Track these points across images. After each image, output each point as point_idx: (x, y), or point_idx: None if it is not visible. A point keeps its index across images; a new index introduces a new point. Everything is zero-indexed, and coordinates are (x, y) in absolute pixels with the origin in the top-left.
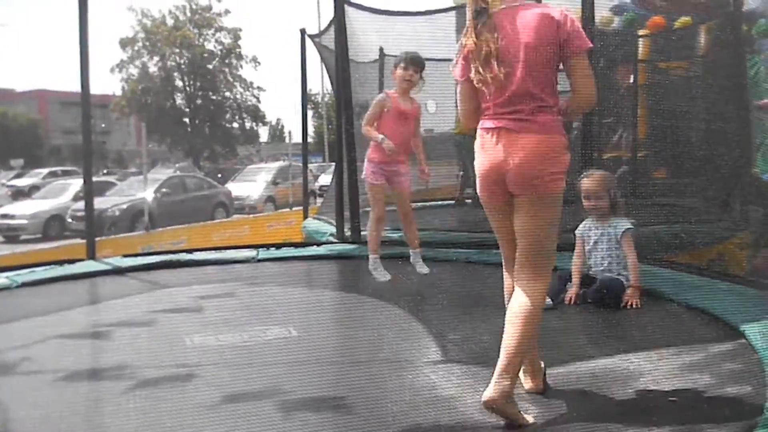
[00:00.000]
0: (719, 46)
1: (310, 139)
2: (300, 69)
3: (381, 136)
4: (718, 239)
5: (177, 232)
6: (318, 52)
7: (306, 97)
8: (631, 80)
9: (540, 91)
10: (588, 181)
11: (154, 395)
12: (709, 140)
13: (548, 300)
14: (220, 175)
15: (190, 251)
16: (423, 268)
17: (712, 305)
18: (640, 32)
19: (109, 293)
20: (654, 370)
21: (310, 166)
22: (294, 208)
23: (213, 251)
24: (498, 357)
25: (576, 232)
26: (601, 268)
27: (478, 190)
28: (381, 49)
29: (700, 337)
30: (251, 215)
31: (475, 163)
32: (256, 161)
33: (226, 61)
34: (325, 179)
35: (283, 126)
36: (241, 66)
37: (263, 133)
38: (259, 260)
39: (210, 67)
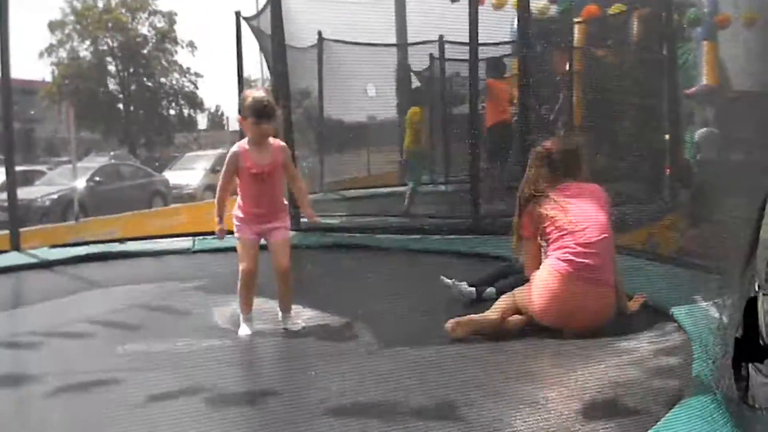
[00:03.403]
0: (651, 34)
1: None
2: (236, 54)
3: (222, 226)
4: (649, 221)
5: (109, 221)
6: (254, 37)
7: (242, 84)
8: (567, 67)
9: None
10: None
11: (80, 402)
12: (641, 126)
13: (472, 290)
14: (157, 164)
15: (122, 241)
16: (296, 326)
17: (642, 287)
18: (575, 20)
19: (35, 292)
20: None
21: None
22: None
23: (146, 241)
24: None
25: None
26: None
27: None
28: (319, 33)
29: (633, 321)
30: (189, 204)
31: None
32: (195, 149)
33: (161, 45)
34: None
35: (222, 113)
36: (177, 51)
37: (201, 121)
38: (195, 251)
39: (144, 51)
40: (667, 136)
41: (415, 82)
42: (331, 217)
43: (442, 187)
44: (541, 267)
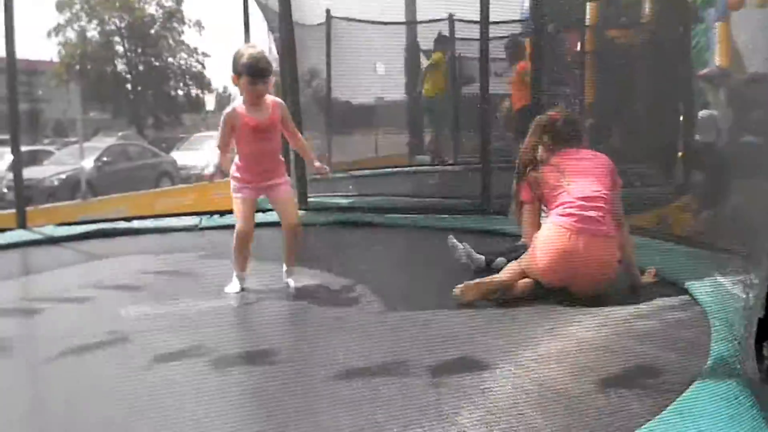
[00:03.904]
0: (664, 15)
1: None
2: (244, 32)
3: (211, 169)
4: (662, 202)
5: (116, 201)
6: (262, 14)
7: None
8: (578, 47)
9: None
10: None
11: (86, 363)
12: (654, 107)
13: (481, 257)
14: (164, 144)
15: (128, 219)
16: (294, 283)
17: (656, 264)
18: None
19: (41, 264)
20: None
21: None
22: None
23: (153, 219)
24: None
25: None
26: None
27: None
28: (328, 11)
29: (647, 296)
30: (197, 183)
31: None
32: (203, 130)
33: (168, 25)
34: None
35: (230, 94)
36: (184, 31)
37: (209, 101)
38: (202, 228)
39: (152, 32)
40: (681, 118)
41: (425, 62)
42: (341, 196)
43: (453, 167)
44: (543, 225)
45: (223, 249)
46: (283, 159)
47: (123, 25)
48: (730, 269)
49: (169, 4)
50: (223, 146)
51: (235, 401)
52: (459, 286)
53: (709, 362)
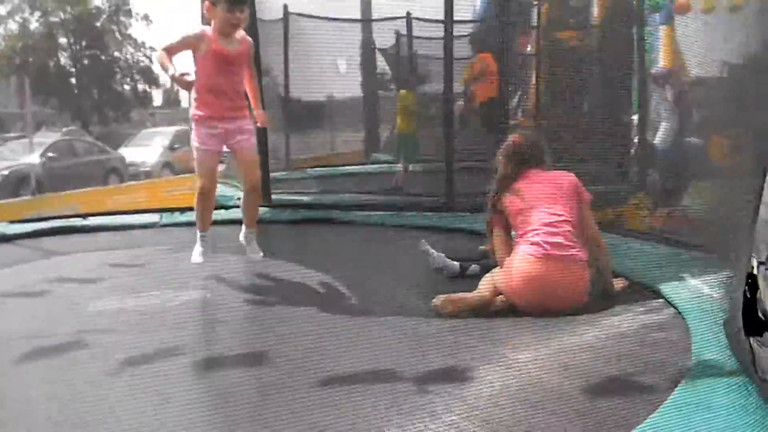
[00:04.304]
0: (613, 17)
1: None
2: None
3: (171, 66)
4: (616, 201)
5: (68, 197)
6: None
7: None
8: (528, 48)
9: None
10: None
11: (54, 363)
12: (605, 108)
13: (456, 264)
14: (111, 140)
15: (84, 216)
16: (255, 253)
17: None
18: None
19: None
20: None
21: None
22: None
23: (111, 216)
24: None
25: None
26: None
27: None
28: (285, 7)
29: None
30: (149, 180)
31: None
32: (149, 126)
33: (115, 18)
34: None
35: (178, 90)
36: (131, 24)
37: (156, 97)
38: (163, 225)
39: (97, 24)
40: (634, 118)
41: (381, 61)
42: (302, 194)
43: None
44: (513, 254)
45: (187, 245)
46: (246, 103)
47: (67, 17)
48: (700, 269)
49: None
50: (168, 53)
51: (203, 400)
52: (439, 297)
53: (692, 362)
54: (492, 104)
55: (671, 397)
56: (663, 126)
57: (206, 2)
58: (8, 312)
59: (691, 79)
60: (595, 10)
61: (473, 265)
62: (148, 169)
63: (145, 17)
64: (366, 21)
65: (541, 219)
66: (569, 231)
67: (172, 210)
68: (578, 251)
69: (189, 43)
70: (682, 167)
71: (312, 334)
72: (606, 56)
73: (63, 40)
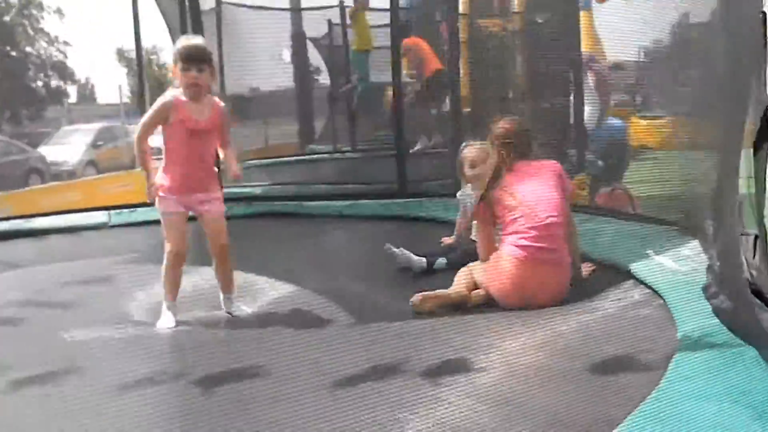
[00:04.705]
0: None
1: (126, 99)
2: (132, 18)
3: (153, 181)
4: None
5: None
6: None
7: (141, 52)
8: (448, 35)
9: None
10: (470, 150)
11: (37, 396)
12: (539, 93)
13: (422, 260)
14: (26, 139)
15: (28, 217)
16: (240, 310)
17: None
18: None
19: None
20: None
21: (130, 127)
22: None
23: (56, 216)
24: None
25: (457, 195)
26: None
27: None
28: None
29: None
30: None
31: None
32: (64, 123)
33: (25, 12)
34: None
35: (92, 85)
36: (43, 18)
37: (71, 93)
38: (112, 226)
39: (6, 19)
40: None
41: (312, 50)
42: (253, 186)
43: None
44: (498, 252)
45: (141, 251)
46: (216, 171)
47: None
48: (662, 243)
49: None
50: (145, 135)
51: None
52: (417, 296)
53: (680, 334)
54: (440, 75)
55: (670, 368)
56: (586, 109)
57: (173, 66)
58: None
59: (609, 63)
60: None
61: (439, 259)
62: (70, 168)
63: (58, 10)
64: (296, 10)
65: (531, 219)
66: (557, 233)
67: (118, 207)
68: (564, 253)
69: (158, 115)
70: (611, 148)
71: (299, 344)
72: (532, 42)
73: None
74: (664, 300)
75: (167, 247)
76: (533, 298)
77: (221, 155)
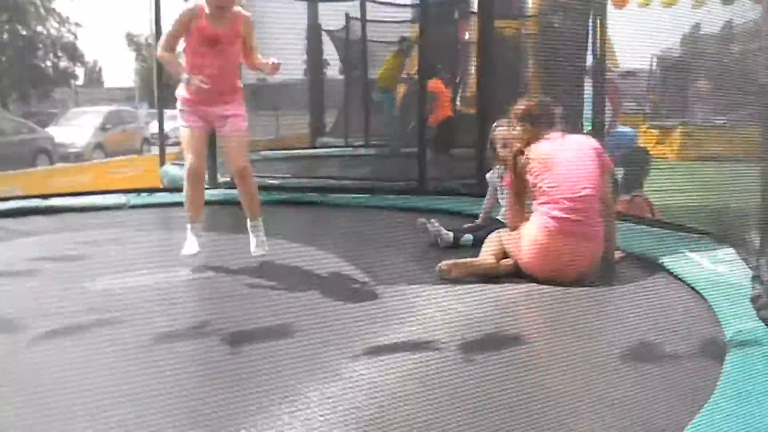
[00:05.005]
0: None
1: (133, 84)
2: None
3: (185, 74)
4: None
5: (5, 179)
6: None
7: (159, 31)
8: (467, 36)
9: None
10: (501, 130)
11: (63, 345)
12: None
13: (450, 234)
14: (35, 119)
15: (44, 197)
16: (259, 247)
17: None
18: None
19: None
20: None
21: (139, 111)
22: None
23: (74, 197)
24: None
25: (487, 176)
26: None
27: None
28: None
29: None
30: (95, 161)
31: None
32: (70, 105)
33: None
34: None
35: (100, 68)
36: None
37: (80, 75)
38: (132, 207)
39: None
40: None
41: (328, 43)
42: (272, 177)
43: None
44: (529, 222)
45: (160, 226)
46: (240, 86)
47: None
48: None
49: None
50: (170, 48)
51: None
52: (444, 262)
53: (729, 334)
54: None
55: (726, 367)
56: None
57: None
58: (4, 292)
59: (621, 71)
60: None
61: (466, 235)
62: (79, 150)
63: None
64: (313, 1)
65: (563, 191)
66: (592, 206)
67: (138, 191)
68: (598, 228)
69: (181, 24)
70: (629, 155)
71: (328, 307)
72: (549, 45)
73: None
74: (702, 297)
75: (186, 162)
76: (562, 270)
77: (251, 64)
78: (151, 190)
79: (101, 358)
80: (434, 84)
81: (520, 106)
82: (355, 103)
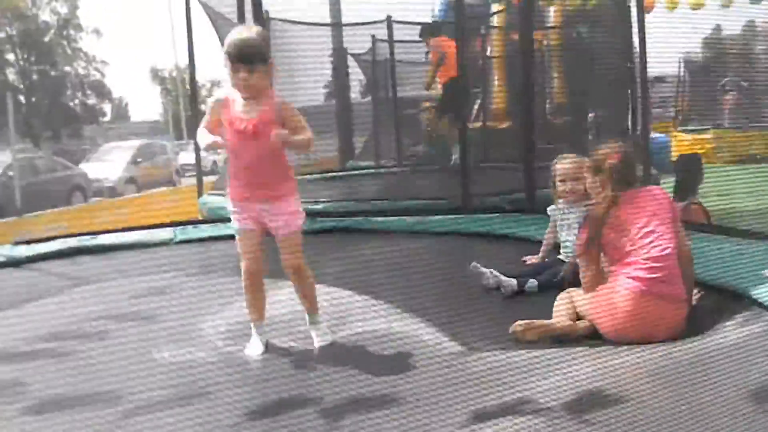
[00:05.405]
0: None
1: (158, 117)
2: (187, 37)
3: (211, 138)
4: None
5: (53, 216)
6: (207, 15)
7: (194, 67)
8: (489, 51)
9: None
10: (563, 165)
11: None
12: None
13: (513, 281)
14: (66, 157)
15: (94, 234)
16: (323, 339)
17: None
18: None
19: (20, 292)
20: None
21: (168, 143)
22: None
23: (119, 234)
24: None
25: (548, 210)
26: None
27: None
28: (266, 13)
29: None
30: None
31: None
32: (100, 142)
33: (64, 32)
34: (187, 157)
35: (126, 103)
36: (81, 38)
37: (108, 111)
38: (179, 242)
39: (46, 39)
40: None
41: (354, 66)
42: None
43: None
44: (609, 286)
45: (211, 266)
46: (291, 174)
47: (14, 32)
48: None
49: (64, 10)
50: (209, 131)
51: None
52: (518, 323)
53: None
54: (455, 83)
55: None
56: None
57: (225, 58)
58: (80, 362)
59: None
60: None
61: (530, 281)
62: (111, 184)
63: (96, 31)
64: (339, 25)
65: (644, 252)
66: (673, 264)
67: (183, 224)
68: (681, 287)
69: (211, 116)
70: (684, 162)
71: (419, 374)
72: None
73: (10, 56)
74: None
75: (242, 265)
76: (649, 334)
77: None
78: (196, 222)
79: None
80: (439, 41)
81: (607, 157)
82: (386, 125)
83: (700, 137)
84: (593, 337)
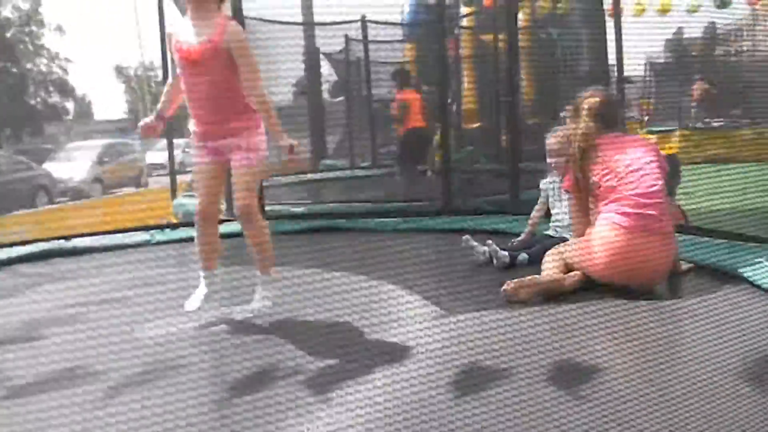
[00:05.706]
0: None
1: (124, 115)
2: (159, 32)
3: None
4: None
5: (13, 219)
6: (179, 12)
7: (167, 62)
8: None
9: None
10: (554, 139)
11: (139, 399)
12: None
13: (506, 254)
14: (28, 156)
15: (66, 238)
16: (261, 302)
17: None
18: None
19: None
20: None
21: (134, 143)
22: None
23: (95, 237)
24: None
25: (540, 184)
26: (565, 223)
27: None
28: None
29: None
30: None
31: None
32: (63, 140)
33: (26, 29)
34: (154, 156)
35: (90, 101)
36: (44, 34)
37: (71, 109)
38: (156, 243)
39: (8, 35)
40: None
41: (326, 66)
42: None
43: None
44: (597, 225)
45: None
46: (250, 107)
47: None
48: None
49: (26, 6)
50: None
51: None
52: (509, 283)
53: None
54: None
55: None
56: None
57: None
58: (56, 342)
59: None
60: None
61: (522, 254)
62: (76, 185)
63: (59, 27)
64: (311, 24)
65: (632, 188)
66: (660, 203)
67: (161, 227)
68: (670, 224)
69: (169, 45)
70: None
71: (405, 338)
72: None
73: None
74: None
75: (197, 203)
76: (639, 271)
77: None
78: (175, 225)
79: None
80: (406, 95)
81: (589, 99)
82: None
83: (666, 137)
84: (585, 288)
